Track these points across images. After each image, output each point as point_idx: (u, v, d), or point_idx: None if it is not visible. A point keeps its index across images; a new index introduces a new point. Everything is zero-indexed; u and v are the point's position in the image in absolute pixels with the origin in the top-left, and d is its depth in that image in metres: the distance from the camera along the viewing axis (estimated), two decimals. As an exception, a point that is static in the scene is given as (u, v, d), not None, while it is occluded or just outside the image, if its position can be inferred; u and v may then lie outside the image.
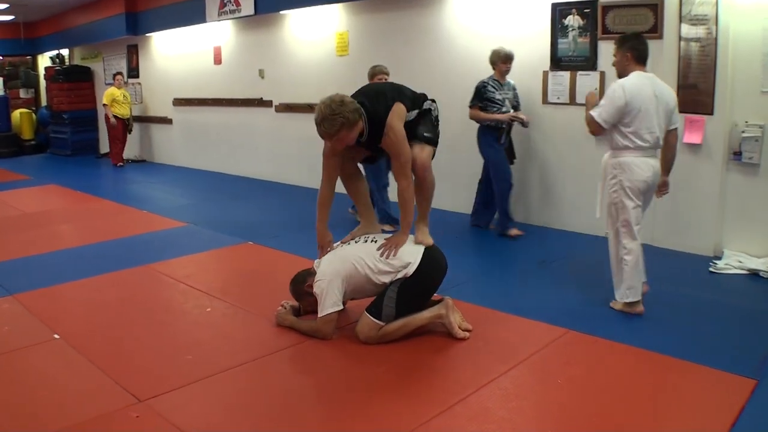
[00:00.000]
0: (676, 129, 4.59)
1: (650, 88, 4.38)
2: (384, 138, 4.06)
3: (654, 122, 4.36)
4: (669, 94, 4.51)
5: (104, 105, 12.70)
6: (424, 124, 4.26)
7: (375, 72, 6.82)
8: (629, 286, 4.47)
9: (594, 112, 4.44)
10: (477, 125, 6.64)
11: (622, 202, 4.44)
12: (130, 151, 13.96)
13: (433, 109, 4.37)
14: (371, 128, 4.06)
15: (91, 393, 3.44)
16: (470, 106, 6.55)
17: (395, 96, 4.15)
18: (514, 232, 6.50)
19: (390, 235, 4.22)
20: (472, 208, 7.08)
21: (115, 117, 12.62)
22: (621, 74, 4.52)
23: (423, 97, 4.39)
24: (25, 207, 8.75)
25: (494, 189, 6.61)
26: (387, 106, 4.06)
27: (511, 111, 6.48)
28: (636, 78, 4.41)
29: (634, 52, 4.46)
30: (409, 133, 4.17)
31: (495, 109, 6.42)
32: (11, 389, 3.50)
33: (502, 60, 6.45)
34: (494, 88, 6.44)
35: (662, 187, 4.76)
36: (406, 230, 4.19)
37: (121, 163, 13.07)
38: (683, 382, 3.51)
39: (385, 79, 6.57)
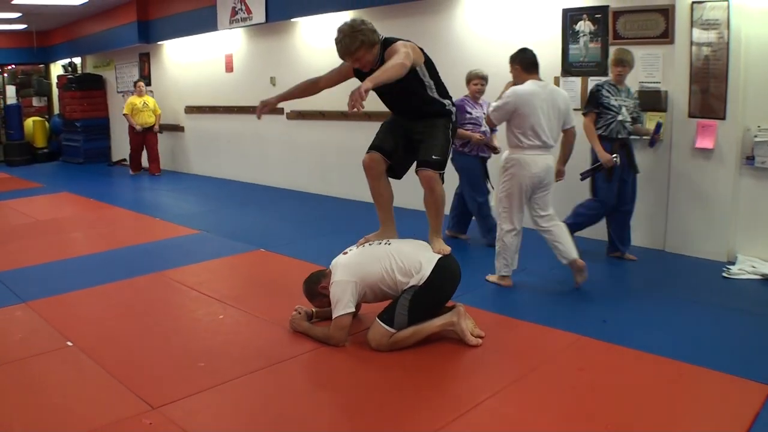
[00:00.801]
0: (572, 128, 5.22)
1: (541, 93, 4.97)
2: (388, 49, 4.14)
3: (544, 123, 4.94)
4: (562, 98, 5.11)
5: (124, 115, 12.56)
6: (435, 137, 4.27)
7: (471, 77, 6.37)
8: (504, 264, 5.16)
9: (490, 108, 5.17)
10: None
11: (511, 192, 5.07)
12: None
13: (453, 113, 4.41)
14: (382, 59, 4.16)
15: (104, 400, 3.44)
16: (584, 114, 5.79)
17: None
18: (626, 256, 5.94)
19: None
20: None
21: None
22: (516, 83, 5.12)
23: (447, 94, 4.43)
24: (37, 215, 8.79)
25: (586, 208, 5.95)
26: (406, 40, 4.20)
27: (627, 120, 5.69)
28: (528, 85, 5.01)
29: (521, 65, 5.09)
30: (415, 143, 4.26)
31: (610, 117, 5.63)
32: (25, 396, 3.50)
33: (614, 63, 5.68)
34: (610, 92, 5.67)
35: (558, 175, 5.40)
36: (376, 76, 3.92)
37: (135, 173, 12.95)
38: (697, 388, 3.49)
39: (482, 86, 6.33)
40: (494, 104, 5.11)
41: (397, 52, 4.06)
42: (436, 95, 4.31)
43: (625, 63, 5.60)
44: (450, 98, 4.44)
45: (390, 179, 4.56)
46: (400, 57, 4.00)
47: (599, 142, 5.66)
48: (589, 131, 5.71)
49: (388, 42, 4.20)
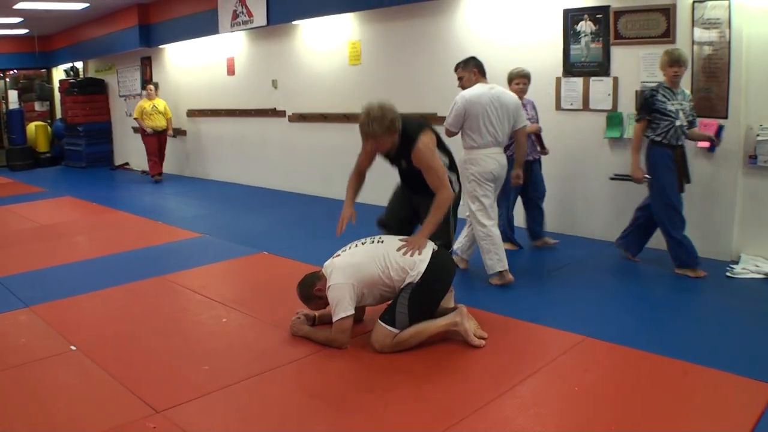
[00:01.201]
0: (523, 127, 5.47)
1: (487, 94, 5.24)
2: (414, 153, 4.25)
3: (494, 122, 5.21)
4: (510, 99, 5.35)
5: (135, 119, 12.27)
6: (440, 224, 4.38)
7: (512, 76, 6.05)
8: (497, 259, 5.25)
9: (445, 123, 5.41)
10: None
11: (475, 190, 5.27)
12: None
13: (456, 190, 4.52)
14: (402, 141, 4.27)
15: (108, 404, 3.45)
16: (636, 120, 5.51)
17: (427, 127, 4.42)
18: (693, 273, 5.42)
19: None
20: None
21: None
22: (465, 87, 5.43)
23: (454, 165, 4.58)
24: (40, 219, 8.80)
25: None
26: (419, 124, 4.33)
27: (684, 125, 5.34)
28: (477, 88, 5.30)
29: (477, 69, 5.48)
30: (421, 221, 4.44)
31: (668, 123, 5.28)
32: (29, 401, 3.51)
33: (669, 63, 5.28)
34: (666, 96, 5.32)
35: (515, 178, 5.72)
36: (427, 235, 4.22)
37: (157, 179, 12.39)
38: (701, 388, 3.49)
39: (524, 84, 6.05)
40: (448, 116, 5.39)
41: (428, 169, 4.26)
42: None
43: (681, 62, 5.24)
44: (456, 169, 4.62)
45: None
46: (443, 183, 4.25)
47: (637, 154, 5.45)
48: (636, 139, 5.47)
49: (410, 135, 4.29)
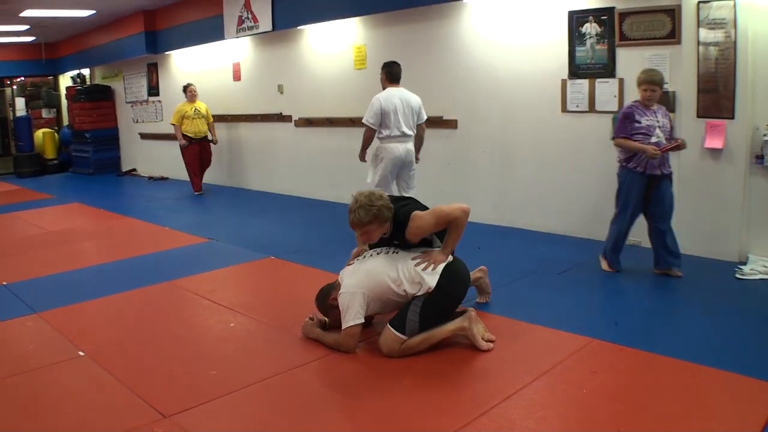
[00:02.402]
0: (423, 123, 6.79)
1: (398, 97, 6.57)
2: (408, 231, 4.12)
3: (401, 120, 6.54)
4: (414, 101, 6.67)
5: (173, 125, 11.06)
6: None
7: (639, 81, 5.32)
8: None
9: (364, 120, 6.60)
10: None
11: (385, 174, 6.63)
12: (154, 169, 14.06)
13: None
14: (394, 227, 4.17)
15: (116, 409, 3.45)
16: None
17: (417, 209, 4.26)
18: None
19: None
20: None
21: (185, 137, 10.96)
22: (384, 88, 6.69)
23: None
24: (48, 225, 8.83)
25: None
26: (407, 211, 4.15)
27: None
28: (388, 92, 6.63)
29: (386, 75, 6.70)
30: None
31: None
32: (37, 406, 3.52)
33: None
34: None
35: (415, 161, 6.88)
36: (447, 251, 4.18)
37: (199, 191, 11.22)
38: (711, 390, 3.47)
39: (653, 92, 5.22)
40: (367, 114, 6.58)
41: (431, 224, 4.14)
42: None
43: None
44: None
45: None
46: (457, 217, 4.12)
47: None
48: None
49: (400, 215, 4.16)
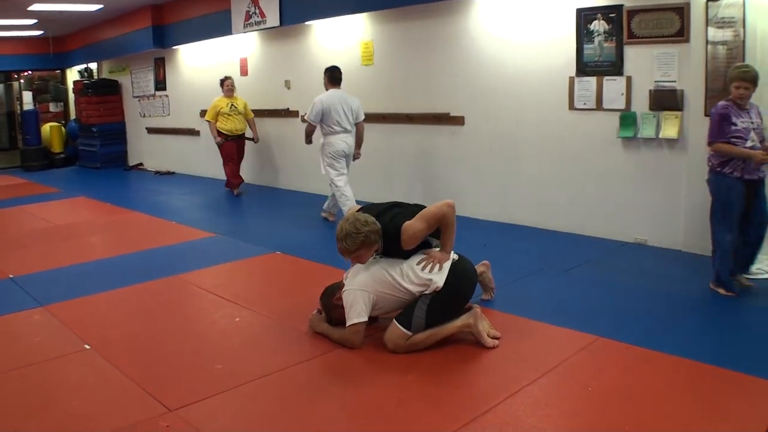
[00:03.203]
0: (361, 122, 7.77)
1: (338, 98, 7.59)
2: (404, 243, 4.10)
3: (342, 116, 7.56)
4: (353, 101, 7.70)
5: (208, 122, 10.27)
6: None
7: (731, 78, 4.86)
8: (333, 204, 7.99)
9: (306, 117, 7.75)
10: None
11: (332, 164, 7.65)
12: (160, 163, 14.07)
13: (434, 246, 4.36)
14: (385, 243, 4.15)
15: (121, 403, 3.47)
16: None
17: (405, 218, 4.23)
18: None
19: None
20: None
21: (221, 134, 10.17)
22: (326, 89, 7.73)
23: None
24: (55, 219, 8.86)
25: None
26: (395, 224, 4.12)
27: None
28: (329, 93, 7.66)
29: (329, 78, 7.74)
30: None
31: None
32: (43, 399, 3.53)
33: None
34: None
35: (355, 157, 7.91)
36: (447, 249, 4.19)
37: (237, 191, 10.40)
38: (716, 389, 3.46)
39: (745, 89, 4.73)
40: (309, 112, 7.62)
41: (423, 229, 4.11)
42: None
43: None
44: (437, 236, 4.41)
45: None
46: (446, 215, 4.11)
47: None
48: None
49: (390, 230, 4.13)
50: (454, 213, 4.16)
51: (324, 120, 7.56)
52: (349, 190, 7.58)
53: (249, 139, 10.54)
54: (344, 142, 7.63)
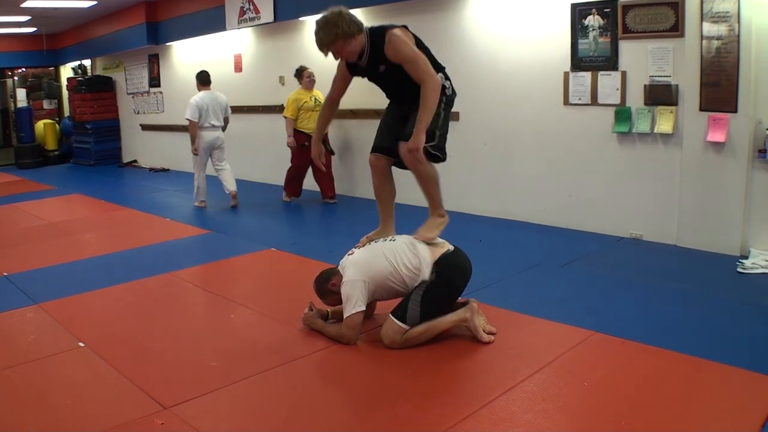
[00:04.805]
0: (227, 117, 9.26)
1: (209, 97, 8.93)
2: (387, 46, 4.04)
3: (211, 113, 8.92)
4: (222, 99, 9.13)
5: (285, 118, 8.83)
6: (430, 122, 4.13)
7: None
8: (202, 199, 9.24)
9: (186, 116, 8.88)
10: None
11: (202, 152, 8.96)
12: (155, 160, 14.05)
13: (447, 87, 4.29)
14: (372, 50, 4.11)
15: (116, 400, 3.45)
16: None
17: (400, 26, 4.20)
18: None
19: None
20: None
21: (299, 135, 8.75)
22: (199, 90, 9.04)
23: (440, 66, 4.30)
24: (49, 216, 8.83)
25: None
26: (390, 24, 4.10)
27: None
28: (201, 94, 8.96)
29: (200, 81, 9.08)
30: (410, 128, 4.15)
31: None
32: (37, 397, 3.52)
33: None
34: None
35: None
36: (422, 129, 4.04)
37: (290, 198, 9.19)
38: (712, 384, 3.46)
39: None
40: (188, 113, 8.81)
41: (407, 58, 4.03)
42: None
43: None
44: (443, 70, 4.33)
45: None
46: (428, 83, 4.00)
47: None
48: None
49: (378, 33, 4.11)
50: (436, 96, 4.06)
51: (200, 118, 8.82)
52: (203, 183, 9.09)
53: (328, 149, 8.33)
54: (213, 135, 8.97)
